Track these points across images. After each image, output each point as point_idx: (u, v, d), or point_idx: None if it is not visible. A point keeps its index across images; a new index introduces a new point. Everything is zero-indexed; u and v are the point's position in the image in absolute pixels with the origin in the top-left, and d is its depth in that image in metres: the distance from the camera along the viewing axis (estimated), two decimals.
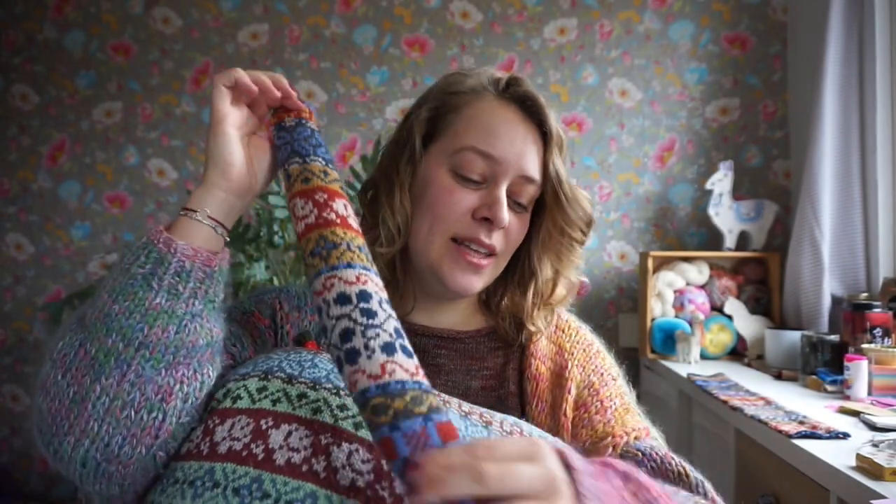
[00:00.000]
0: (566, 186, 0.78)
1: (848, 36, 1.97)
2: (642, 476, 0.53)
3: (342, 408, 0.58)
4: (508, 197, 0.76)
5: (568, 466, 0.46)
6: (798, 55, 2.34)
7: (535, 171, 0.77)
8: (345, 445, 0.56)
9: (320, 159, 0.64)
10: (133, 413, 0.56)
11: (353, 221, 0.61)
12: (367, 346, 0.51)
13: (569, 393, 0.78)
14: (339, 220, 0.60)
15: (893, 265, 1.93)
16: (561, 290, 0.84)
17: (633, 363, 2.43)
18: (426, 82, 2.49)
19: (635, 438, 0.74)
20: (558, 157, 0.78)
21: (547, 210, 0.80)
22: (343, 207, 0.61)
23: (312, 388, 0.60)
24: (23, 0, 2.56)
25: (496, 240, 0.76)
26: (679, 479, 0.68)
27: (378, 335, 0.52)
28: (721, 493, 0.70)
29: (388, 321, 0.54)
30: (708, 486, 0.68)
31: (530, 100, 0.78)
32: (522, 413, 0.79)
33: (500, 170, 0.75)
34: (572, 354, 0.82)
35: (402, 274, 0.81)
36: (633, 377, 2.42)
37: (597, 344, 0.85)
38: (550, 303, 0.84)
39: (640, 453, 0.71)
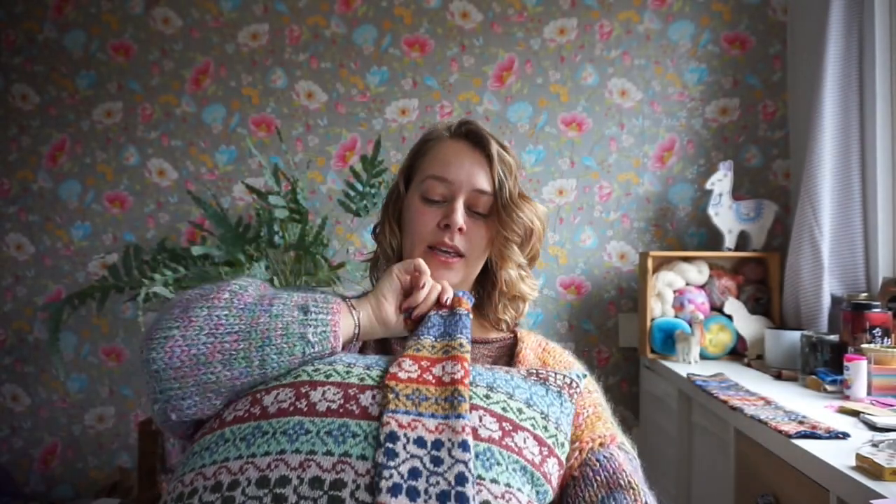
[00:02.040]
0: (506, 195, 0.99)
1: (848, 36, 1.97)
2: None
3: (315, 371, 0.79)
4: (468, 208, 0.99)
5: None
6: (798, 55, 2.35)
7: (484, 184, 0.99)
8: (319, 388, 0.76)
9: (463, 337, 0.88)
10: (215, 398, 0.80)
11: (448, 377, 0.79)
12: (426, 492, 0.66)
13: None
14: (433, 381, 0.79)
15: (893, 265, 1.93)
16: (523, 287, 1.04)
17: (633, 363, 2.43)
18: (426, 82, 2.49)
19: (599, 445, 0.84)
20: (503, 173, 0.99)
21: (495, 214, 1.00)
22: (440, 369, 0.81)
23: (294, 369, 0.82)
24: (23, 0, 2.56)
25: (458, 242, 0.98)
26: (628, 488, 0.77)
27: (438, 483, 0.67)
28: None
29: (453, 467, 0.69)
30: (651, 500, 0.78)
31: (474, 133, 1.02)
32: None
33: (454, 188, 0.98)
34: (553, 368, 0.98)
35: None
36: (633, 377, 2.42)
37: (577, 364, 1.01)
38: (515, 296, 1.04)
39: (597, 463, 0.81)
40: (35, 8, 2.55)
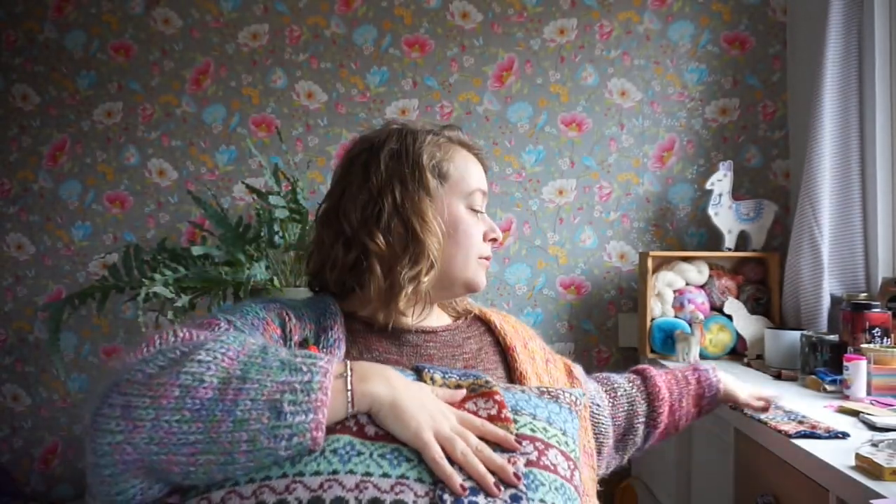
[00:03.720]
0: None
1: (847, 36, 1.97)
2: None
3: None
4: None
5: None
6: (797, 55, 2.35)
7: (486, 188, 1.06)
8: None
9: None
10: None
11: (484, 413, 0.79)
12: None
13: (535, 358, 1.06)
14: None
15: (892, 265, 1.93)
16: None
17: (633, 363, 2.42)
18: (426, 82, 2.49)
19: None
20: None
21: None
22: (473, 405, 0.81)
23: None
24: (23, 0, 2.56)
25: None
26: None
27: (495, 501, 0.69)
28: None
29: (507, 489, 0.70)
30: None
31: (478, 148, 1.07)
32: (511, 380, 1.00)
33: (486, 200, 1.05)
34: (522, 333, 1.09)
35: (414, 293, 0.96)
36: None
37: (528, 328, 1.14)
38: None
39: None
40: (35, 8, 2.56)
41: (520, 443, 0.75)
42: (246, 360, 0.70)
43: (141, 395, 0.66)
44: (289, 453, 0.66)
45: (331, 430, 0.70)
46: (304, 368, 0.69)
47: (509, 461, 0.73)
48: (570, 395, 0.90)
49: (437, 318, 1.04)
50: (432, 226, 0.94)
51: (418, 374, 0.84)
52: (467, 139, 1.06)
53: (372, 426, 0.72)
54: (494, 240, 1.03)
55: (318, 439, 0.67)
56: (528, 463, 0.74)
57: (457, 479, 0.69)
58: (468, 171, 1.02)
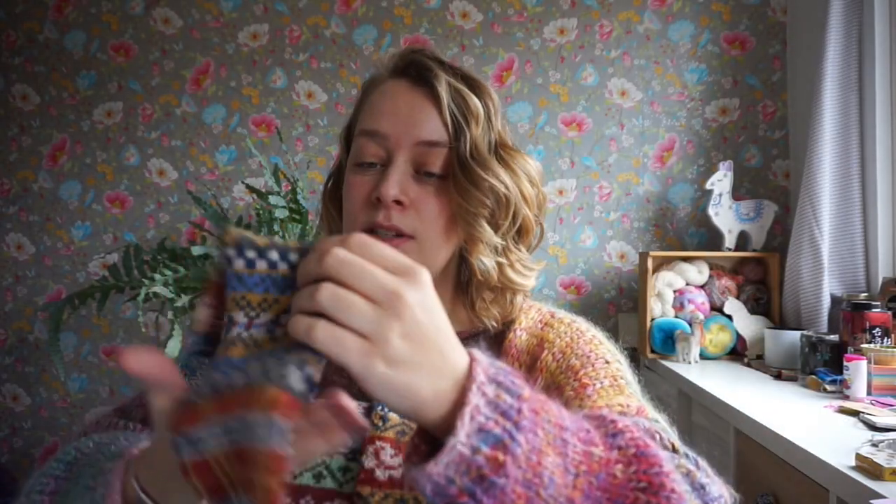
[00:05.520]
0: (464, 147, 0.70)
1: (847, 36, 1.97)
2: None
3: None
4: (419, 169, 0.70)
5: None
6: (797, 55, 2.35)
7: (434, 133, 0.70)
8: None
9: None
10: None
11: None
12: None
13: (537, 382, 0.70)
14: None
15: (892, 265, 1.93)
16: (510, 274, 0.74)
17: (633, 363, 2.43)
18: None
19: (621, 414, 0.60)
20: (460, 117, 0.71)
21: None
22: None
23: None
24: (23, 0, 2.56)
25: (399, 220, 0.68)
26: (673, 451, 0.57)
27: None
28: None
29: None
30: (702, 462, 0.56)
31: (415, 65, 0.72)
32: None
33: (390, 144, 0.69)
34: (553, 344, 0.73)
35: None
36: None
37: (592, 332, 0.76)
38: (499, 286, 0.74)
39: None
40: (35, 8, 2.56)
41: None
42: (65, 487, 0.57)
43: None
44: None
45: None
46: (93, 485, 0.52)
47: None
48: None
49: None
50: (323, 207, 0.81)
51: (368, 412, 0.64)
52: (413, 60, 0.73)
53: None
54: (379, 200, 0.67)
55: None
56: None
57: None
58: (362, 115, 0.74)
